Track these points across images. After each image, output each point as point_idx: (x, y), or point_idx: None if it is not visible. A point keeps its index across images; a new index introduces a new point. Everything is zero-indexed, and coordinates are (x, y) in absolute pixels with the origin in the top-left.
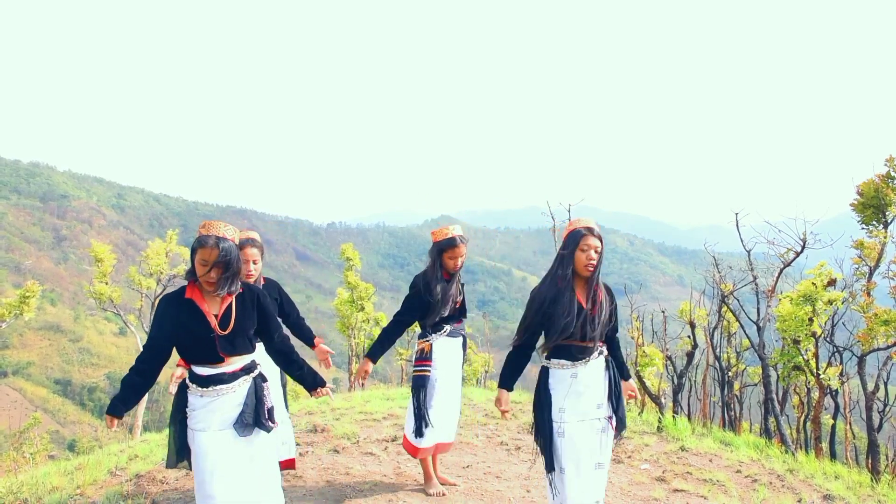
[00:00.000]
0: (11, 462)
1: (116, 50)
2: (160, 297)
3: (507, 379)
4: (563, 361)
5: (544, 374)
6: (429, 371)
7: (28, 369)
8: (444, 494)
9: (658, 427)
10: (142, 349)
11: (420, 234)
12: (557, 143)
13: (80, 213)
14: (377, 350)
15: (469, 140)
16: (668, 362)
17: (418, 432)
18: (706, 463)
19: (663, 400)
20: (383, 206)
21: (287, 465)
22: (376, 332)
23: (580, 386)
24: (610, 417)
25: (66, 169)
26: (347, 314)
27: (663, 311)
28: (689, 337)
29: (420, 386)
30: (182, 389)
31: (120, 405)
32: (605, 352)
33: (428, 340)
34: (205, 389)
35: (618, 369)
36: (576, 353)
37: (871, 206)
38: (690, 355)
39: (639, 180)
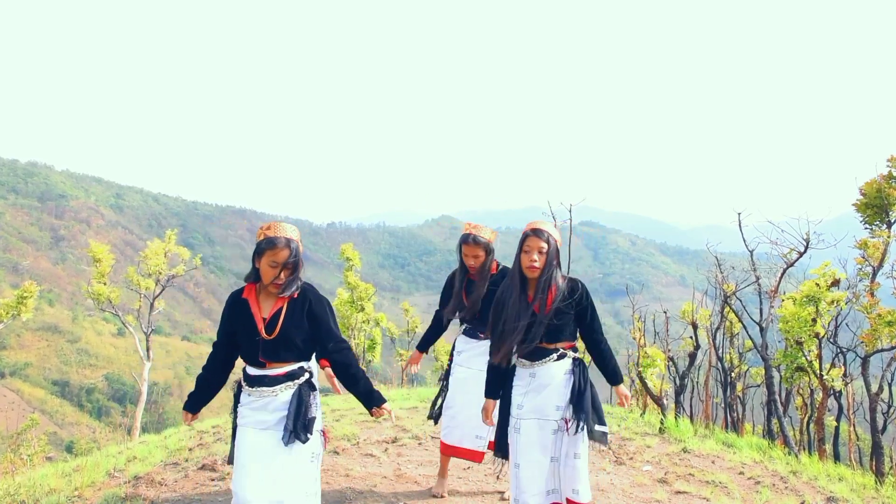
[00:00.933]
0: (9, 464)
1: (115, 49)
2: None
3: (493, 387)
4: (524, 360)
5: (511, 370)
6: (448, 365)
7: (26, 370)
8: (443, 496)
9: (660, 428)
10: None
11: (420, 234)
12: (558, 143)
13: (78, 212)
14: (423, 341)
15: (469, 140)
16: (670, 363)
17: (435, 419)
18: (708, 465)
19: (665, 401)
20: (383, 205)
21: None
22: (376, 332)
23: (538, 385)
24: (567, 420)
25: (63, 168)
26: (347, 315)
27: (665, 312)
28: (691, 338)
29: (442, 378)
30: (239, 386)
31: (194, 402)
32: (573, 354)
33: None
34: (251, 389)
35: (605, 372)
36: (534, 354)
37: (874, 206)
38: (692, 356)
39: (640, 181)
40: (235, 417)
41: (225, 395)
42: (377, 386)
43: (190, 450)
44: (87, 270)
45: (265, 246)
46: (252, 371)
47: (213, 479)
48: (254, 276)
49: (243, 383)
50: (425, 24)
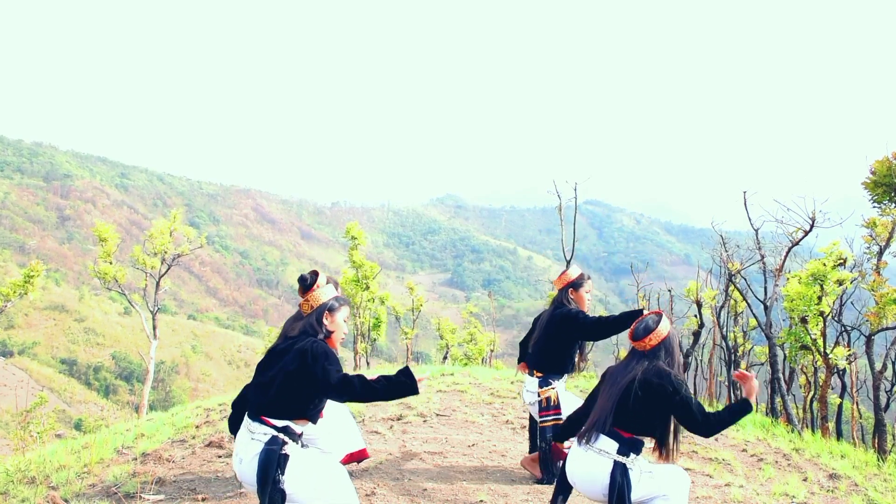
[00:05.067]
0: (19, 441)
1: (119, 28)
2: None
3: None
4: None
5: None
6: (560, 420)
7: (34, 349)
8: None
9: None
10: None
11: (425, 213)
12: (565, 123)
13: (83, 192)
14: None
15: (475, 118)
16: None
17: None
18: (712, 442)
19: None
20: (388, 184)
21: (360, 455)
22: (382, 311)
23: (572, 473)
24: None
25: (68, 148)
26: (352, 293)
27: (670, 290)
28: (695, 316)
29: (549, 433)
30: (281, 446)
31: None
32: (614, 454)
33: (553, 388)
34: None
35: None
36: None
37: (884, 185)
38: (697, 334)
39: (644, 162)
40: (278, 484)
41: (230, 372)
42: (383, 364)
43: (197, 427)
44: (93, 250)
45: (339, 303)
46: (303, 428)
47: (219, 456)
48: (326, 333)
49: (292, 441)
50: (429, 4)
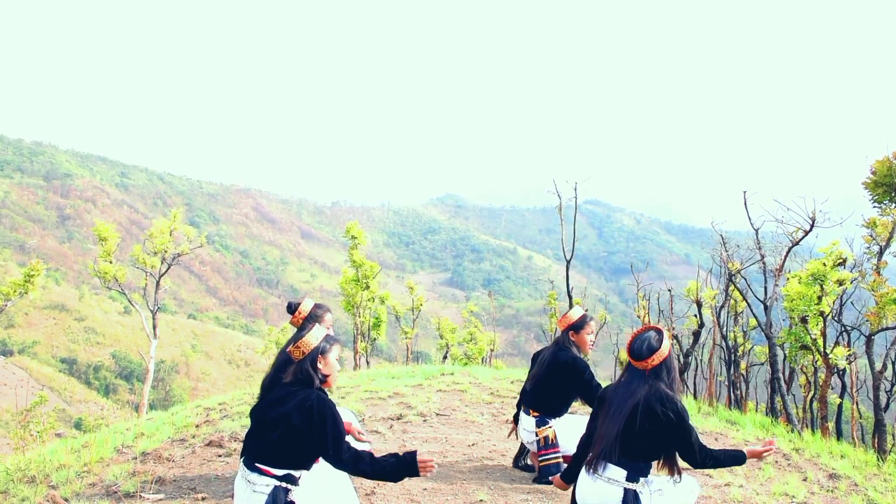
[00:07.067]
0: (19, 440)
1: (119, 26)
2: (324, 398)
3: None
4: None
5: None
6: (559, 458)
7: (34, 348)
8: None
9: None
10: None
11: (425, 213)
12: (566, 123)
13: (83, 191)
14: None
15: (475, 118)
16: (675, 341)
17: None
18: (712, 442)
19: None
20: (387, 184)
21: None
22: (382, 310)
23: (583, 501)
24: None
25: (68, 147)
26: (352, 293)
27: (669, 290)
28: (695, 316)
29: (551, 474)
30: (286, 492)
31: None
32: (624, 482)
33: (550, 427)
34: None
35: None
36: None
37: (884, 185)
38: (696, 334)
39: (645, 163)
40: None
41: (230, 371)
42: (383, 364)
43: (197, 426)
44: (93, 249)
45: (328, 344)
46: (300, 472)
47: (219, 455)
48: (322, 378)
49: (292, 486)
50: (433, 2)
